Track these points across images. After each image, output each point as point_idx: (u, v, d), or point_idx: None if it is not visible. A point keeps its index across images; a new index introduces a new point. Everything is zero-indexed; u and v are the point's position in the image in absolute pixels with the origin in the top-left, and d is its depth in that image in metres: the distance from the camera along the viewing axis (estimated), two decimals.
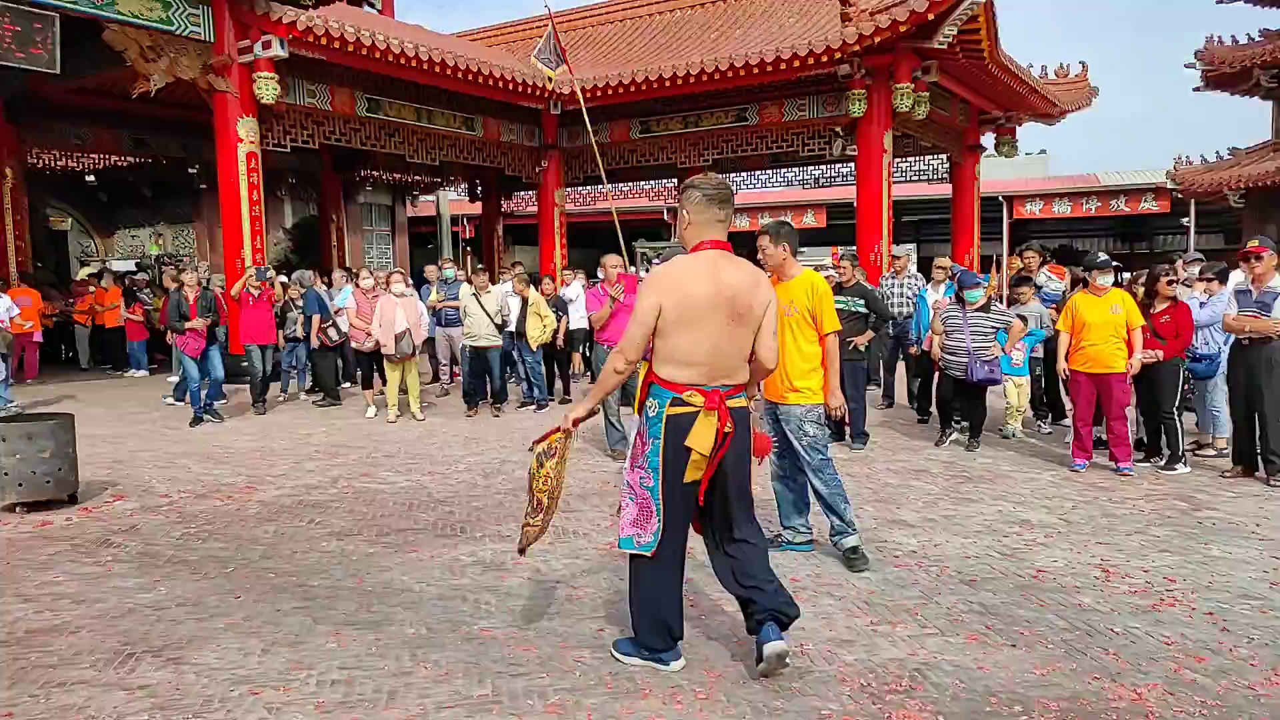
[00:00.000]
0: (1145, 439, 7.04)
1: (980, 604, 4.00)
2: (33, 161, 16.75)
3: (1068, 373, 6.67)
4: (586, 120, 4.25)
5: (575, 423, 3.42)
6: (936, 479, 6.47)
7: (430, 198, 27.92)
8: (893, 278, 9.62)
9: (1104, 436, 6.98)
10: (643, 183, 24.46)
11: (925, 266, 15.09)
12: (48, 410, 9.17)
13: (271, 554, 4.94)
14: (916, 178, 19.57)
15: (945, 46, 12.46)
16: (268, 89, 11.96)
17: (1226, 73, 18.76)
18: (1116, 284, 6.85)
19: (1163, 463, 6.67)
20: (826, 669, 3.37)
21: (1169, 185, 21.40)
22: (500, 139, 16.77)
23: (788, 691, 3.19)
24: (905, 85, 13.23)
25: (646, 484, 3.28)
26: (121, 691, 3.29)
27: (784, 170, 22.52)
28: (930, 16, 11.94)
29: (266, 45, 11.74)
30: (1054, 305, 8.05)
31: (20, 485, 5.76)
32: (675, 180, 22.90)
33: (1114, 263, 6.75)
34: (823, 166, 21.26)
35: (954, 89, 15.25)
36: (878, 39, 12.45)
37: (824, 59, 13.00)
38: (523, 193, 25.38)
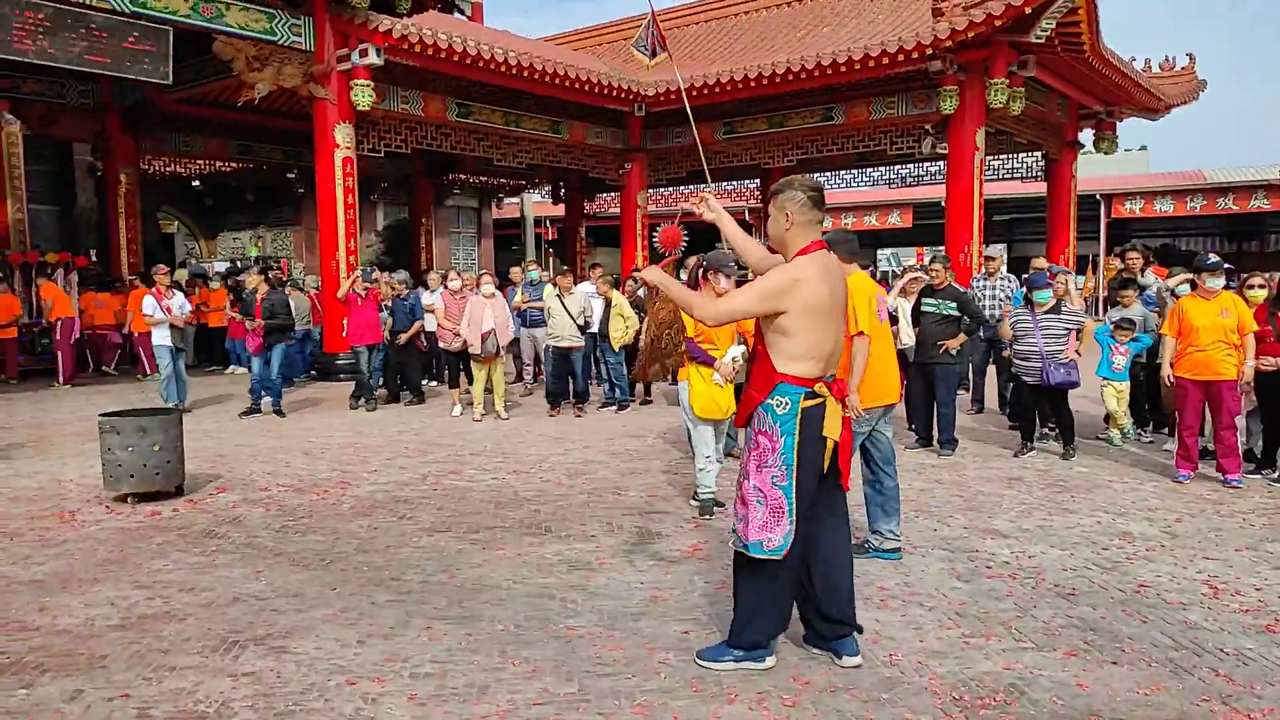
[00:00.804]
0: (1257, 450, 6.68)
1: (1079, 618, 3.86)
2: (144, 168, 17.64)
3: (1174, 379, 6.39)
4: (690, 116, 4.24)
5: (649, 280, 3.77)
6: (1031, 488, 6.27)
7: (515, 200, 28.40)
8: (984, 279, 9.37)
9: (1209, 446, 6.67)
10: (725, 184, 24.33)
11: (1017, 267, 14.62)
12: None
13: (367, 548, 5.10)
14: (1010, 175, 19.00)
15: (1043, 40, 12.09)
16: (364, 96, 12.35)
17: None
18: (1227, 286, 6.51)
19: (1276, 475, 6.33)
20: (917, 680, 3.30)
21: None
22: (586, 142, 16.95)
23: (876, 702, 3.14)
24: (1000, 81, 12.87)
25: (780, 483, 3.30)
26: (227, 678, 3.43)
27: (869, 170, 22.13)
28: (1027, 10, 11.60)
29: (364, 54, 12.13)
30: (1156, 309, 7.72)
31: (132, 477, 6.06)
32: (758, 181, 22.76)
33: (1225, 264, 6.42)
34: (909, 165, 20.82)
35: (1052, 83, 14.78)
36: (972, 34, 12.15)
37: (915, 55, 12.74)
38: (604, 195, 25.60)
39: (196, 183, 21.44)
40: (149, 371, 13.53)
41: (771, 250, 3.57)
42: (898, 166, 21.18)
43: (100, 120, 15.86)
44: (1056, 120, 16.55)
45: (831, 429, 3.34)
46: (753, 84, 14.40)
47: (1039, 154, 17.96)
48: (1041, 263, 8.43)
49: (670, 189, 23.09)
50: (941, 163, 19.46)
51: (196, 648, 3.72)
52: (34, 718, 3.13)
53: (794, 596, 3.49)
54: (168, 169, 18.82)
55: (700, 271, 6.04)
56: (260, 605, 4.20)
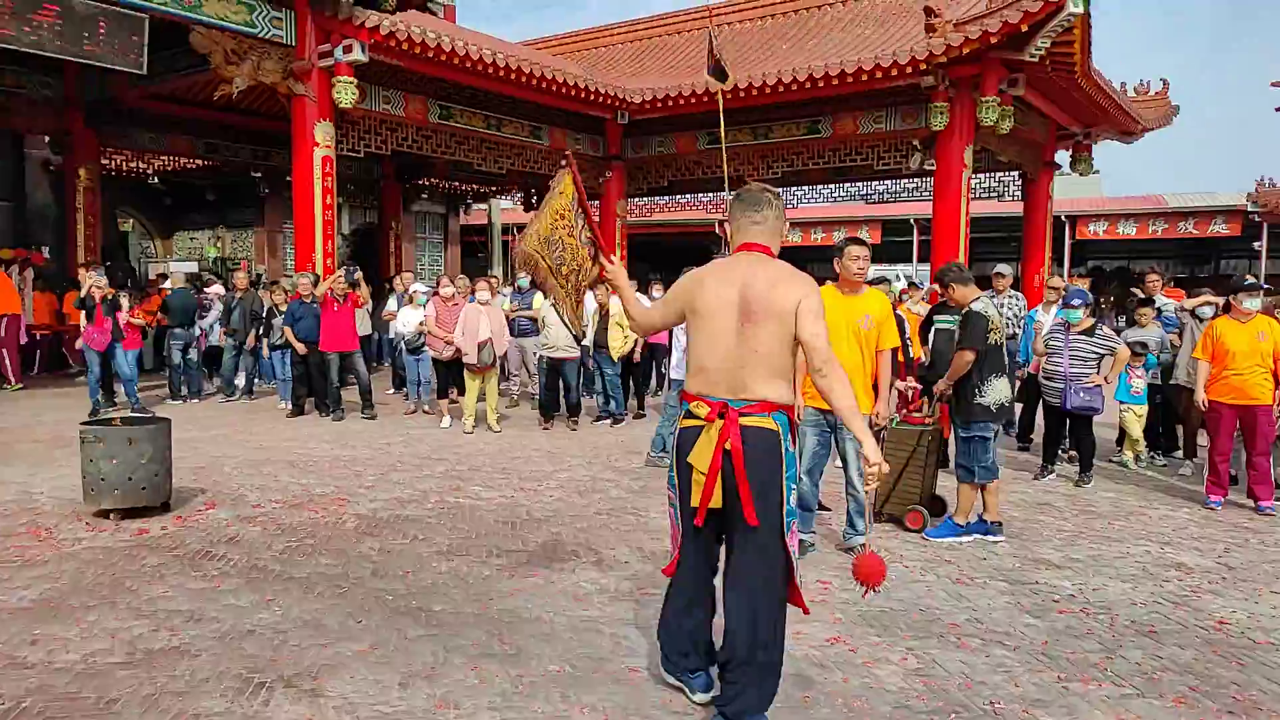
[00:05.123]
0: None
1: (1172, 660, 3.65)
2: (105, 164, 16.89)
3: (1207, 403, 6.27)
4: (722, 123, 4.04)
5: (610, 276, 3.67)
6: (1064, 514, 6.09)
7: (482, 206, 27.95)
8: (992, 297, 9.21)
9: (1233, 472, 6.57)
10: (701, 195, 24.13)
11: (984, 287, 14.53)
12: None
13: (383, 572, 4.71)
14: (986, 195, 19.09)
15: (1036, 59, 12.06)
16: (346, 93, 11.87)
17: None
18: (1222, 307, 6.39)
19: None
20: None
21: (1249, 207, 20.74)
22: (566, 149, 16.60)
23: None
24: (992, 98, 12.81)
25: (672, 502, 3.22)
26: None
27: (841, 186, 22.13)
28: (1024, 28, 11.53)
29: (347, 49, 11.66)
30: (1175, 330, 7.65)
31: (116, 491, 5.59)
32: (729, 194, 22.51)
33: (1263, 285, 6.33)
34: (874, 182, 20.82)
35: (1036, 103, 14.79)
36: (966, 50, 12.08)
37: (909, 70, 12.63)
38: None
39: (154, 180, 20.66)
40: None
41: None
42: (863, 184, 21.18)
43: (60, 114, 15.08)
44: (1037, 140, 16.63)
45: (697, 458, 2.98)
46: (742, 94, 14.18)
47: (1016, 173, 18.07)
48: (1058, 282, 8.30)
49: (648, 199, 22.82)
50: (913, 180, 19.57)
51: (218, 690, 3.33)
52: None
53: (691, 626, 3.24)
54: (129, 166, 18.05)
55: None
56: (280, 638, 3.81)
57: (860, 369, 4.94)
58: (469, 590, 4.45)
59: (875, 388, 5.13)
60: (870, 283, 8.01)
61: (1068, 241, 27.68)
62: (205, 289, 13.17)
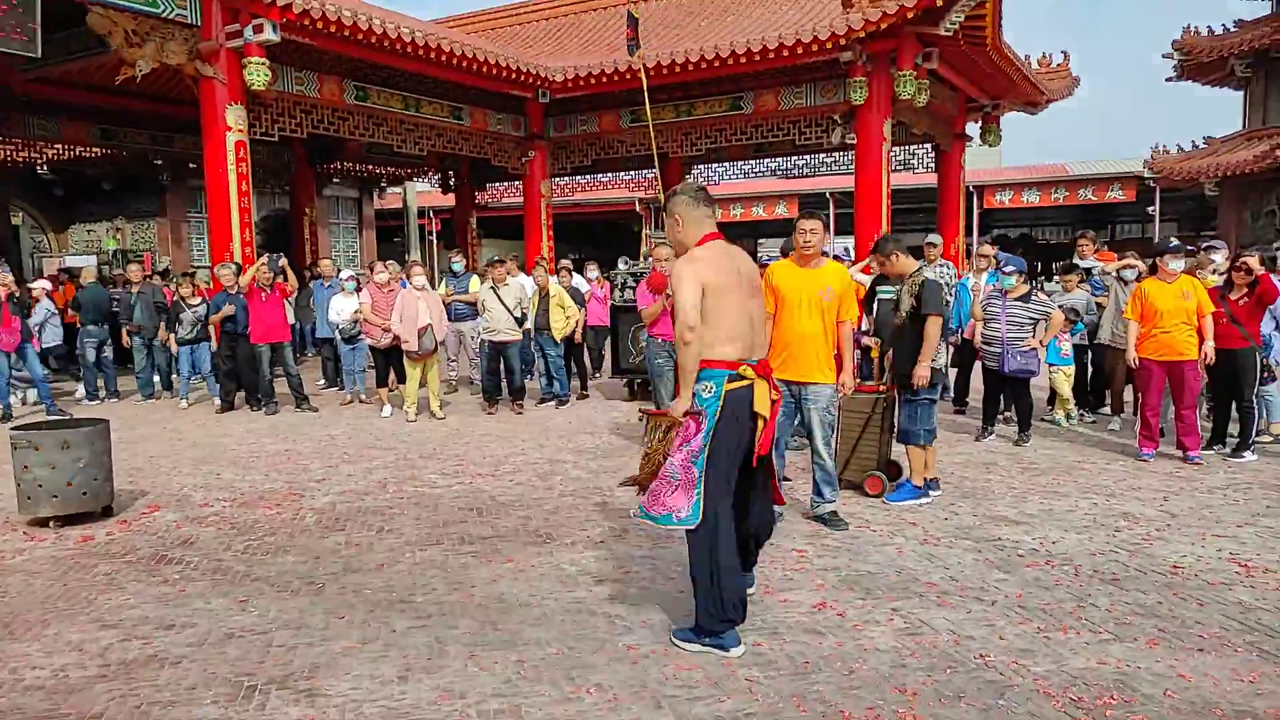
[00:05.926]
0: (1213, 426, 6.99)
1: (1138, 605, 3.85)
2: None
3: (1138, 361, 6.58)
4: (647, 101, 3.98)
5: (686, 414, 3.50)
6: (1010, 472, 6.34)
7: (397, 190, 27.28)
8: (924, 266, 9.46)
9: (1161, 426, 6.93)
10: (623, 174, 24.00)
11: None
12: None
13: (355, 566, 4.61)
14: (901, 167, 19.54)
15: (951, 33, 12.37)
16: (259, 75, 11.40)
17: (1203, 62, 19.11)
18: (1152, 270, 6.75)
19: (1228, 450, 6.64)
20: (1022, 682, 3.18)
21: (1146, 174, 21.74)
22: (487, 129, 16.34)
23: (995, 709, 3.00)
24: (908, 72, 13.11)
25: (696, 460, 3.41)
26: None
27: (759, 161, 22.37)
28: (939, 2, 11.83)
29: (258, 29, 11.19)
30: (1102, 293, 7.99)
31: (55, 498, 5.33)
32: (656, 172, 22.54)
33: (1186, 247, 6.66)
34: (791, 158, 21.11)
35: (948, 76, 15.19)
36: (884, 25, 12.31)
37: (828, 45, 12.80)
38: (495, 184, 24.88)
39: (44, 170, 19.53)
40: None
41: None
42: (783, 159, 21.47)
43: None
44: (949, 112, 17.09)
45: (762, 406, 3.45)
46: (664, 71, 14.16)
47: (928, 146, 18.56)
48: (988, 250, 8.59)
49: (570, 179, 22.65)
50: (829, 154, 19.92)
51: (209, 696, 3.21)
52: None
53: (739, 575, 3.51)
54: (20, 155, 17.00)
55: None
56: (263, 640, 3.69)
57: (822, 340, 5.04)
58: (449, 579, 4.39)
59: (838, 359, 5.23)
60: None
61: (975, 210, 28.61)
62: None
